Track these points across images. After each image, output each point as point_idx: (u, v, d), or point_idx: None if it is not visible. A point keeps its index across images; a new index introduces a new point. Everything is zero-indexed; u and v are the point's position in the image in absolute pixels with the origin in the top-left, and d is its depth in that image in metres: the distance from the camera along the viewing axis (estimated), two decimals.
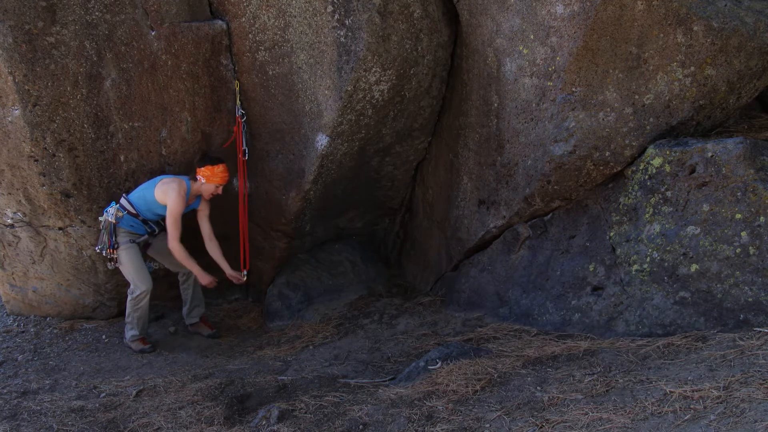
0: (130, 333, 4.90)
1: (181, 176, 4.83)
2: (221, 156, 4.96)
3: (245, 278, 5.13)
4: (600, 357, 3.24)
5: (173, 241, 4.69)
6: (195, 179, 4.83)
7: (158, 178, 4.77)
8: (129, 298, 4.82)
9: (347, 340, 4.80)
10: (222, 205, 5.27)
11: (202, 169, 4.78)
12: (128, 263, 4.76)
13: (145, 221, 4.79)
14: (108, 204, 4.80)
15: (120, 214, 4.70)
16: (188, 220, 5.06)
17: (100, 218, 4.77)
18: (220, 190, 4.88)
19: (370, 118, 4.67)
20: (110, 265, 4.86)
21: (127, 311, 4.86)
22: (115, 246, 4.73)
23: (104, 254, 4.79)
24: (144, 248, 4.92)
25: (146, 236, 4.87)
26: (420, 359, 3.73)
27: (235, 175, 5.26)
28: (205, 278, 4.87)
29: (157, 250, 5.02)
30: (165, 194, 4.65)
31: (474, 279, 4.82)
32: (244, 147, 5.08)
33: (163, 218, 4.93)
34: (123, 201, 4.73)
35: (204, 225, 4.97)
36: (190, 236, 5.06)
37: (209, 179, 4.78)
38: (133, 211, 4.72)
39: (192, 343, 5.14)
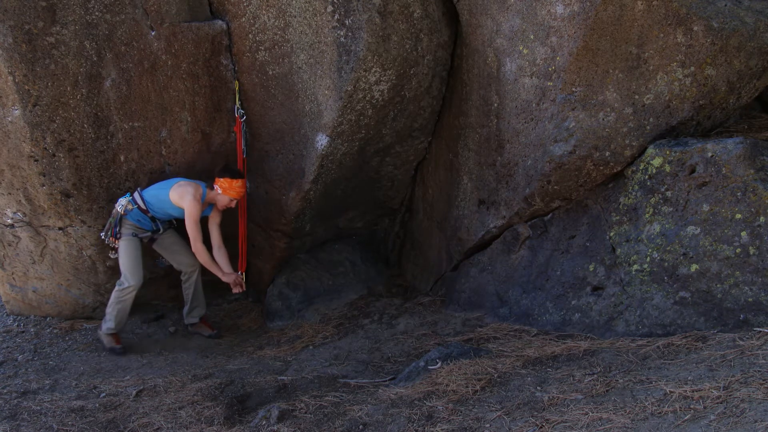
0: (106, 324, 4.86)
1: (199, 182, 4.83)
2: (240, 171, 4.94)
3: (243, 280, 5.10)
4: (600, 357, 3.24)
5: (196, 243, 4.71)
6: (212, 188, 4.83)
7: (174, 180, 4.80)
8: (117, 288, 4.79)
9: (347, 340, 4.80)
10: None
11: (222, 180, 4.78)
12: (125, 255, 4.75)
13: (153, 219, 4.80)
14: (112, 200, 4.82)
15: (130, 207, 4.73)
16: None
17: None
18: (233, 204, 4.90)
19: (370, 118, 4.67)
20: (112, 254, 4.86)
21: (111, 300, 4.82)
22: (118, 236, 4.75)
23: (107, 242, 4.81)
24: (149, 243, 4.93)
25: (150, 233, 4.88)
26: (420, 359, 3.73)
27: None
28: (229, 278, 4.87)
29: (162, 246, 5.04)
30: (181, 198, 4.66)
31: (474, 279, 4.82)
32: (244, 146, 5.08)
33: (174, 219, 4.96)
34: (136, 195, 4.75)
35: (214, 233, 4.97)
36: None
37: (225, 191, 4.79)
38: (144, 207, 4.74)
39: (192, 343, 5.15)
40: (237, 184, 4.80)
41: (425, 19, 4.45)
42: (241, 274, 5.13)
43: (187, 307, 5.22)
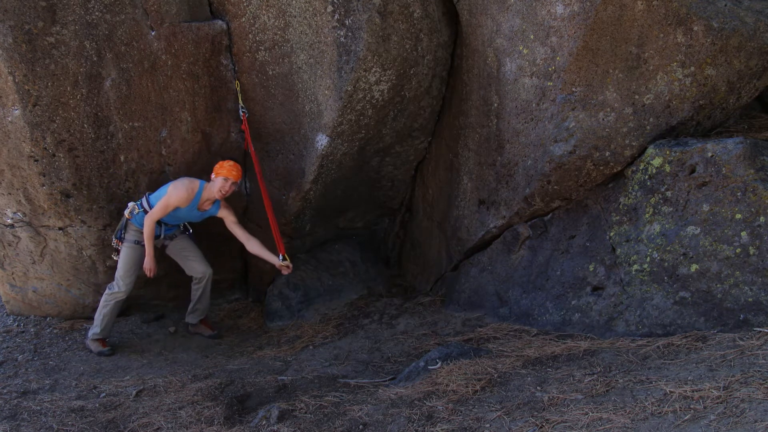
0: (92, 330, 4.88)
1: (200, 179, 4.79)
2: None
3: (287, 262, 4.84)
4: (600, 357, 3.24)
5: (150, 217, 4.64)
6: (210, 180, 4.77)
7: (180, 178, 4.76)
8: (107, 291, 4.82)
9: (347, 340, 4.80)
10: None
11: (215, 166, 4.75)
12: (123, 261, 4.77)
13: (159, 223, 4.75)
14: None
15: (137, 210, 4.72)
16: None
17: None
18: (229, 187, 4.70)
19: (370, 118, 4.67)
20: (114, 256, 4.88)
21: (100, 304, 4.84)
22: (122, 239, 4.78)
23: (113, 244, 4.85)
24: (162, 249, 4.92)
25: (158, 238, 4.83)
26: (420, 359, 3.73)
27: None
28: (149, 263, 4.76)
29: (174, 251, 5.02)
30: (175, 187, 4.64)
31: (474, 279, 4.82)
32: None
33: (187, 223, 4.95)
34: (143, 199, 4.75)
35: (236, 231, 4.88)
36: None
37: (217, 172, 4.70)
38: (149, 210, 4.71)
39: (192, 343, 5.15)
40: (228, 163, 4.72)
41: (425, 19, 4.45)
42: (283, 257, 4.84)
43: (191, 305, 5.19)
